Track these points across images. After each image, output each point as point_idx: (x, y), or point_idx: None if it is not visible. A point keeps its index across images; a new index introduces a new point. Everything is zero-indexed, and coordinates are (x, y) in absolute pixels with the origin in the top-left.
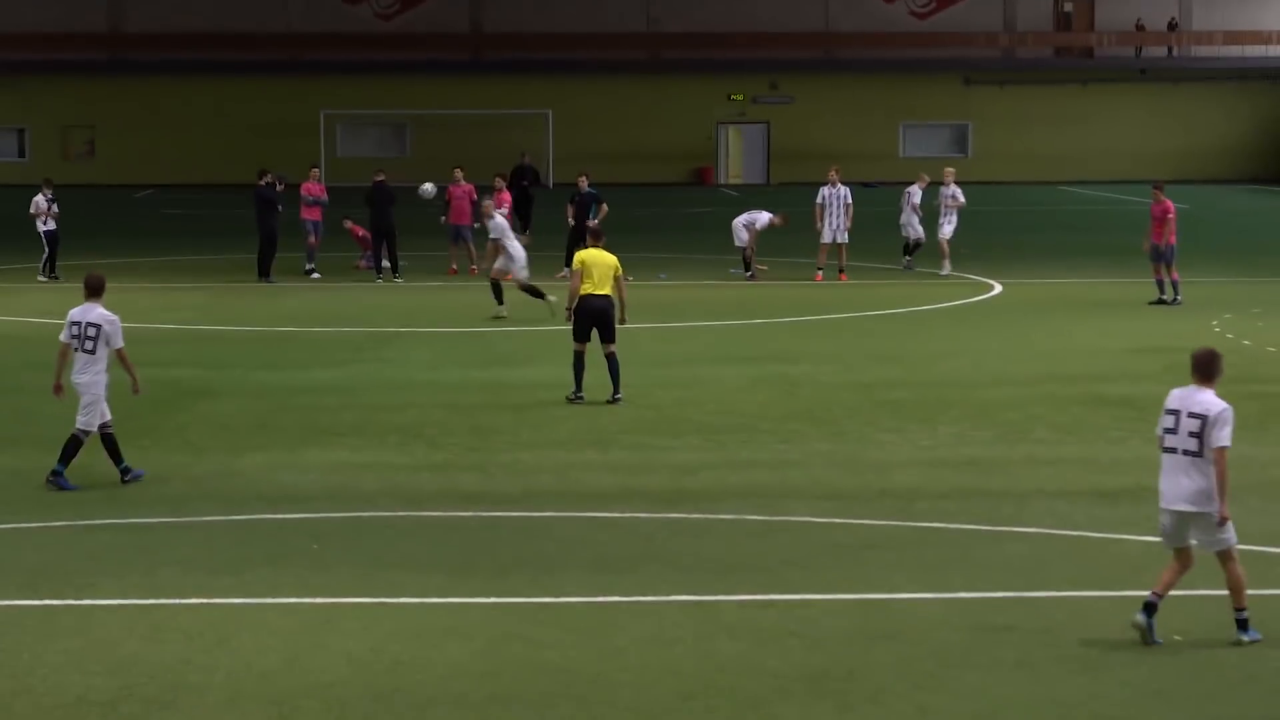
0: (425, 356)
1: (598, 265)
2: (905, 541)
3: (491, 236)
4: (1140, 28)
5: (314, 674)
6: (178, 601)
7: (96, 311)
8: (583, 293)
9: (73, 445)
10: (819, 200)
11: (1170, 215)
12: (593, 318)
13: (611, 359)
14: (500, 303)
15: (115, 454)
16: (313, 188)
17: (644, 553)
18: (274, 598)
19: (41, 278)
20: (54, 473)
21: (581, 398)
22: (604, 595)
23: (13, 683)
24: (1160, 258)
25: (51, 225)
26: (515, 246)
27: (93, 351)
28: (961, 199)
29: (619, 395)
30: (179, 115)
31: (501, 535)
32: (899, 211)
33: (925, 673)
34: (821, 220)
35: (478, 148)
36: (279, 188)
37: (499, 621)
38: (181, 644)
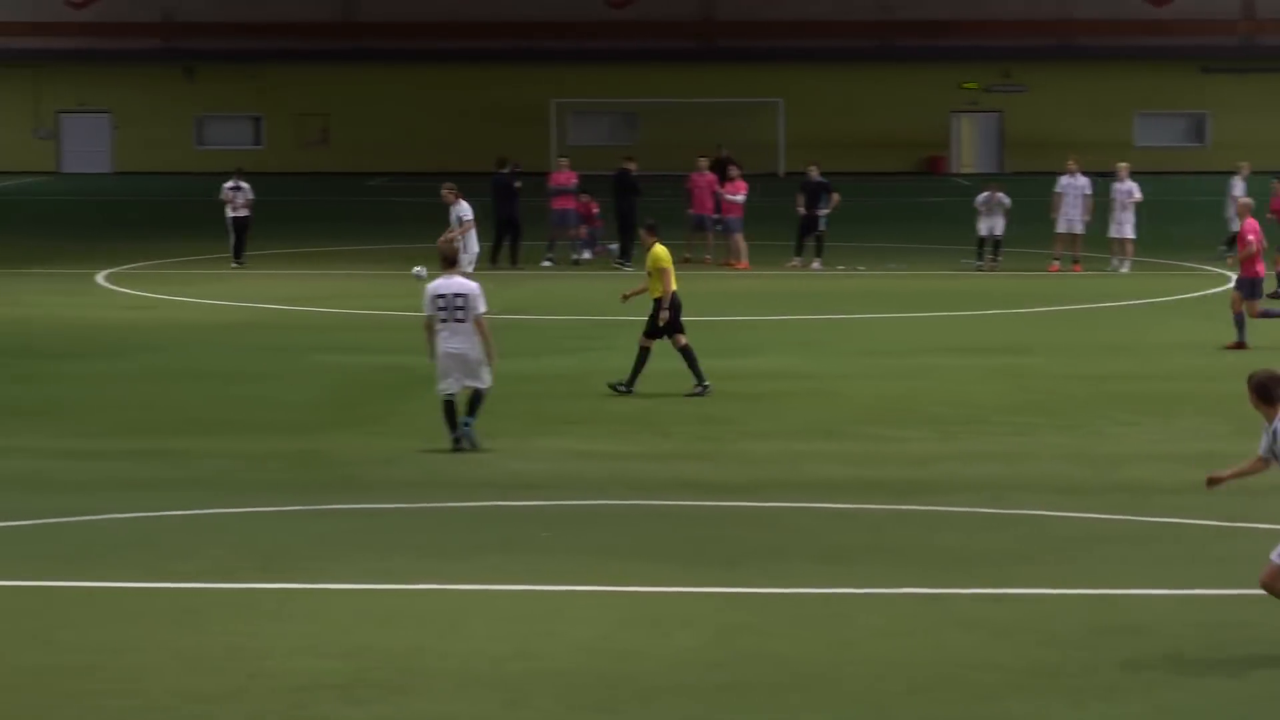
0: (655, 345)
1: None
2: (1138, 536)
3: (465, 218)
4: None
5: (544, 661)
6: (410, 587)
7: (458, 280)
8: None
9: (478, 399)
10: (1057, 189)
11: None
12: (679, 312)
13: (647, 354)
14: None
15: (453, 421)
16: (560, 177)
17: (875, 544)
18: (505, 584)
19: (234, 264)
20: (464, 423)
21: (633, 391)
22: (834, 586)
23: (248, 665)
24: None
25: (240, 213)
26: (470, 240)
27: (464, 320)
28: (1138, 195)
29: (709, 384)
30: (411, 103)
31: (731, 525)
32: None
33: (1160, 670)
34: (1058, 210)
35: (709, 135)
36: (517, 183)
37: (728, 611)
38: (414, 629)
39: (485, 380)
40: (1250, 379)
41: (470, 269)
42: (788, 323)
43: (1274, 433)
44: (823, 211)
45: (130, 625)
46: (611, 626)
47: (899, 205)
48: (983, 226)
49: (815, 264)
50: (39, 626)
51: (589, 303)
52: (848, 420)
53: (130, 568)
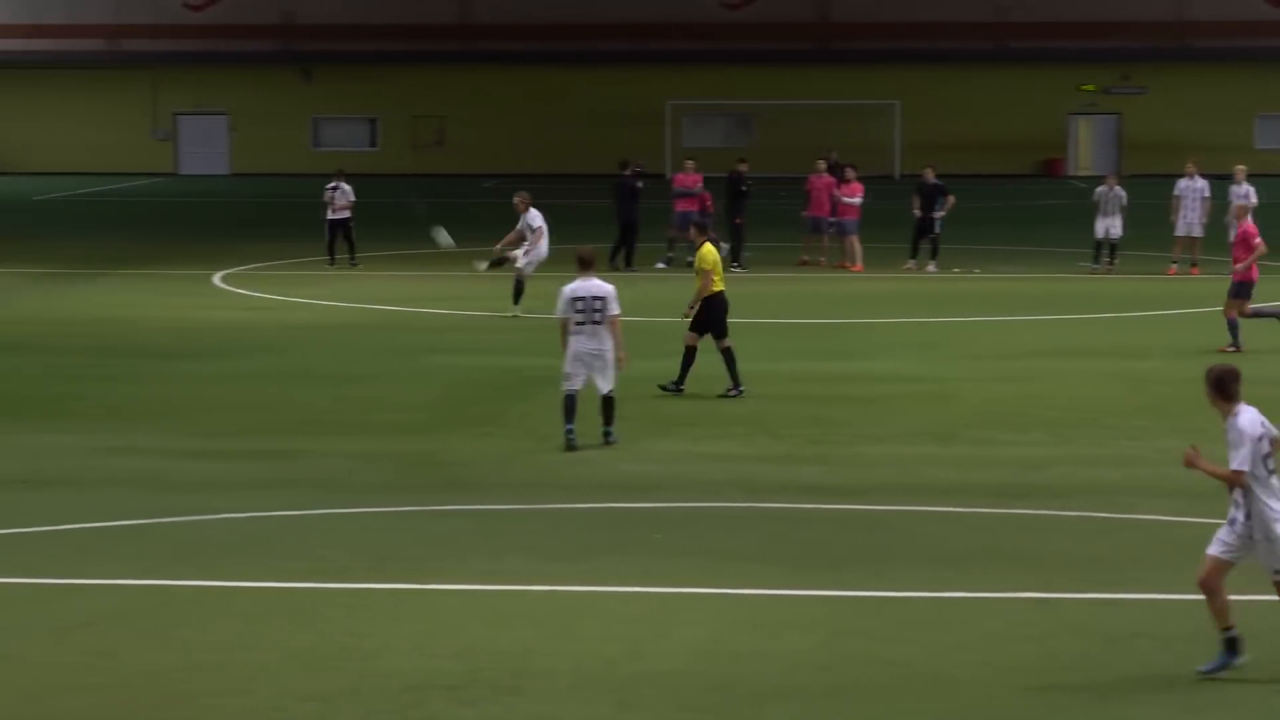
0: (769, 347)
1: (720, 261)
2: None
3: (535, 226)
4: None
5: (655, 663)
6: (522, 588)
7: (596, 283)
8: (717, 289)
9: (610, 406)
10: (1175, 193)
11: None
12: (724, 312)
13: (730, 352)
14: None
15: (571, 414)
16: (685, 179)
17: (987, 548)
18: (617, 586)
19: (330, 265)
20: (605, 433)
21: (682, 390)
22: (946, 590)
23: (360, 665)
24: None
25: (341, 214)
26: (540, 247)
27: (601, 322)
28: (1254, 199)
29: (741, 388)
30: (526, 105)
31: (842, 528)
32: None
33: (1277, 677)
34: (1177, 213)
35: (825, 138)
36: (639, 184)
37: (839, 615)
38: (526, 630)
39: (612, 382)
40: (1209, 374)
41: (530, 272)
42: (902, 325)
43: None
44: (938, 214)
45: (244, 624)
46: (723, 629)
47: (1015, 208)
48: (1099, 227)
49: (931, 266)
50: (154, 625)
51: None
52: (961, 424)
53: (244, 567)
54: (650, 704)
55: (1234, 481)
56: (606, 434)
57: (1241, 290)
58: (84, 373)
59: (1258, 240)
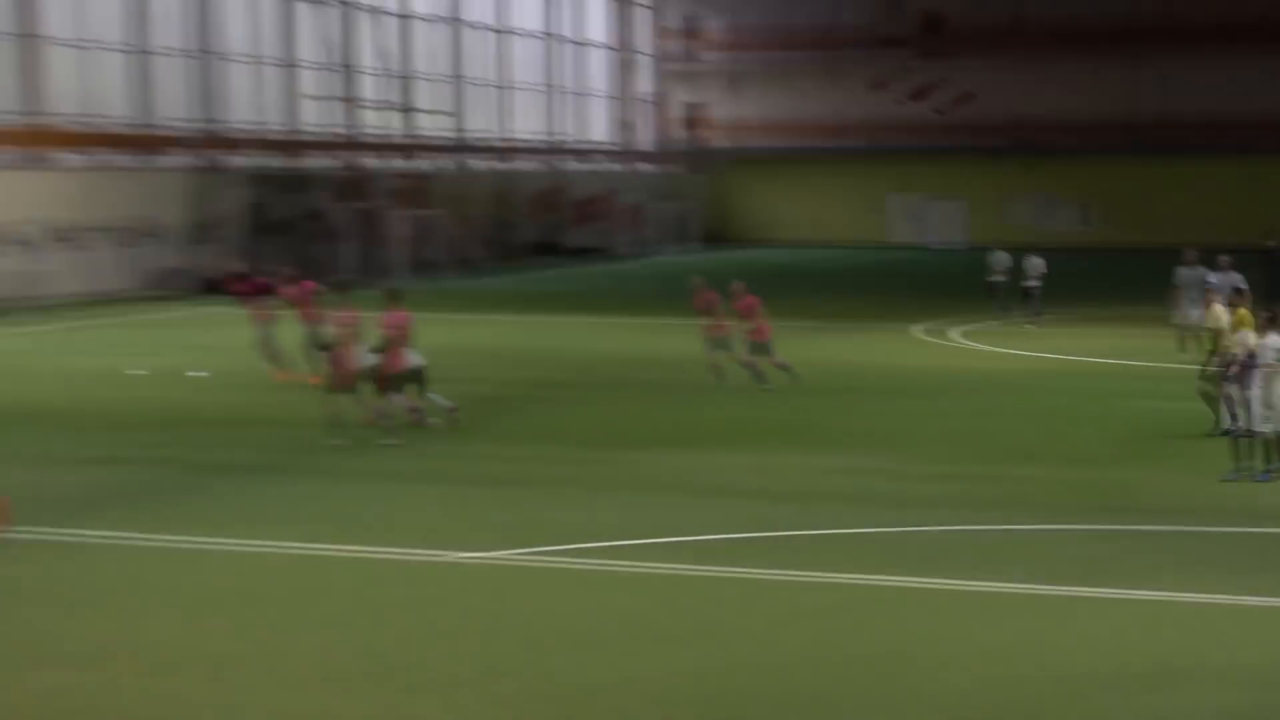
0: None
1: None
2: None
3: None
4: None
5: None
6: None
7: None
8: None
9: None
10: None
11: None
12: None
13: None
14: None
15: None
16: None
17: None
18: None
19: (1029, 325)
20: (1267, 472)
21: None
22: None
23: (1028, 663)
24: None
25: (1026, 283)
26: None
27: None
28: None
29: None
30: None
31: None
32: None
33: None
34: None
35: None
36: None
37: None
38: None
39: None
40: None
41: None
42: None
43: None
44: None
45: (936, 620)
46: None
47: None
48: None
49: None
50: (864, 618)
51: None
52: None
53: (939, 571)
54: None
55: None
56: (1272, 469)
57: None
58: (815, 404)
59: None
